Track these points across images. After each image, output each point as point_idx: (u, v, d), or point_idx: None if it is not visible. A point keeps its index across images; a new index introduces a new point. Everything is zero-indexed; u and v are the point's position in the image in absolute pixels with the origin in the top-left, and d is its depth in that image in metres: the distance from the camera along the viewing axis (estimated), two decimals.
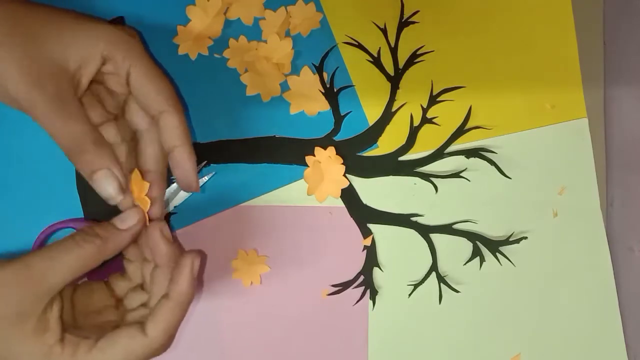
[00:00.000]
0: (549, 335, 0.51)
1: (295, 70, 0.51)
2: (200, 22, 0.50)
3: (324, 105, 0.51)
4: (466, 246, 0.51)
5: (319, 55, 0.51)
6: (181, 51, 0.50)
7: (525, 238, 0.51)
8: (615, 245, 0.52)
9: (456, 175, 0.51)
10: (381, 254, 0.51)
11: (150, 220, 0.40)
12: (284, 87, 0.51)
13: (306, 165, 0.50)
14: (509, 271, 0.51)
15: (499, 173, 0.51)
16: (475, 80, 0.52)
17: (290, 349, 0.50)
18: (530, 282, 0.51)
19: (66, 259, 0.35)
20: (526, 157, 0.52)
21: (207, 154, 0.50)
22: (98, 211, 0.49)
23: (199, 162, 0.49)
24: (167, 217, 0.49)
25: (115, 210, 0.40)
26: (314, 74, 0.51)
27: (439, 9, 0.52)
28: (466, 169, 0.51)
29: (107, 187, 0.38)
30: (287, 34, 0.51)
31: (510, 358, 0.51)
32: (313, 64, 0.51)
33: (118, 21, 0.50)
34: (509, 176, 0.51)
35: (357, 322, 0.50)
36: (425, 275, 0.51)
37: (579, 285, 0.51)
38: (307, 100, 0.51)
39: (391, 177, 0.51)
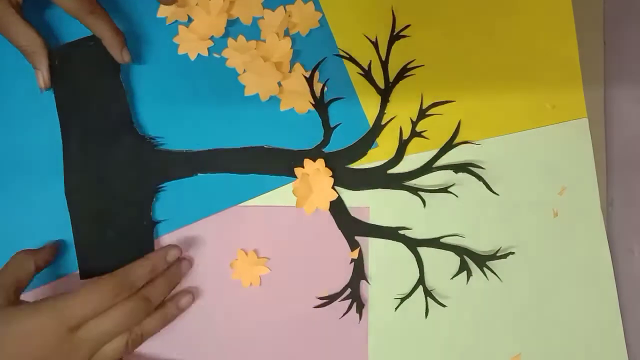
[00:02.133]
0: (549, 336, 0.51)
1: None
2: (203, 22, 0.50)
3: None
4: (454, 260, 0.51)
5: (319, 54, 0.51)
6: (181, 51, 0.51)
7: (513, 253, 0.51)
8: (615, 246, 0.52)
9: (444, 190, 0.51)
10: (369, 267, 0.51)
11: None
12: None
13: (295, 176, 0.50)
14: (509, 271, 0.51)
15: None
16: (466, 94, 0.52)
17: (287, 352, 0.50)
18: (531, 282, 0.51)
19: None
20: (527, 157, 0.52)
21: (196, 163, 0.50)
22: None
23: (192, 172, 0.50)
24: (154, 224, 0.50)
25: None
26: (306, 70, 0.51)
27: (437, 14, 0.53)
28: (454, 184, 0.51)
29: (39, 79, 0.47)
30: (286, 34, 0.51)
31: (510, 358, 0.51)
32: (303, 75, 0.51)
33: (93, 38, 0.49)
34: (497, 192, 0.51)
35: (356, 326, 0.51)
36: (413, 288, 0.50)
37: (580, 285, 0.51)
38: (298, 98, 0.51)
39: (380, 190, 0.51)
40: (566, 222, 0.52)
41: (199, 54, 0.51)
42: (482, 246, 0.51)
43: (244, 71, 0.51)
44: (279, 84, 0.51)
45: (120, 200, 0.49)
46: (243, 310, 0.50)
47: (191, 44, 0.51)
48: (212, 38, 0.51)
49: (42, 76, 0.47)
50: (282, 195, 0.51)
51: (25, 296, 0.45)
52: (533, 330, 0.51)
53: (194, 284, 0.50)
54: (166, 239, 0.50)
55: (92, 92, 0.49)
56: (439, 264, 0.51)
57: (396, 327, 0.51)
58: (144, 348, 0.49)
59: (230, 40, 0.51)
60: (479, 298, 0.51)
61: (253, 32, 0.51)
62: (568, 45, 0.53)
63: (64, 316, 0.41)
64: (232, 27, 0.51)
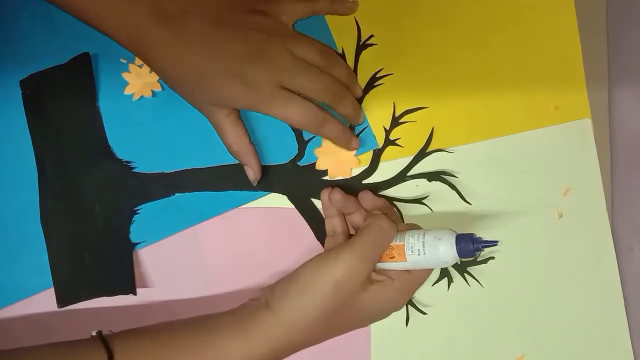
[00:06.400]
0: (554, 336, 0.51)
1: None
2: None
3: None
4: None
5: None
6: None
7: (493, 258, 0.51)
8: (616, 244, 0.52)
9: (418, 201, 0.50)
10: None
11: None
12: None
13: (271, 191, 0.50)
14: (514, 272, 0.51)
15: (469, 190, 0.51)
16: (438, 100, 0.51)
17: None
18: (536, 283, 0.51)
19: None
20: (530, 158, 0.52)
21: (174, 183, 0.50)
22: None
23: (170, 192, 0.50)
24: (132, 246, 0.50)
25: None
26: None
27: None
28: (428, 196, 0.50)
29: (250, 174, 0.49)
30: None
31: (514, 358, 0.51)
32: None
33: (83, 57, 0.49)
34: (470, 202, 0.51)
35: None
36: None
37: (585, 286, 0.52)
38: None
39: None
40: (571, 223, 0.52)
41: None
42: None
43: None
44: None
45: (97, 225, 0.49)
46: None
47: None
48: None
49: (252, 172, 0.48)
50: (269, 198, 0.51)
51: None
52: (538, 331, 0.51)
53: (187, 288, 0.50)
54: (147, 250, 0.50)
55: (68, 119, 0.50)
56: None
57: (399, 332, 0.51)
58: None
59: None
60: (483, 300, 0.51)
61: None
62: (571, 45, 0.52)
63: None
64: None
